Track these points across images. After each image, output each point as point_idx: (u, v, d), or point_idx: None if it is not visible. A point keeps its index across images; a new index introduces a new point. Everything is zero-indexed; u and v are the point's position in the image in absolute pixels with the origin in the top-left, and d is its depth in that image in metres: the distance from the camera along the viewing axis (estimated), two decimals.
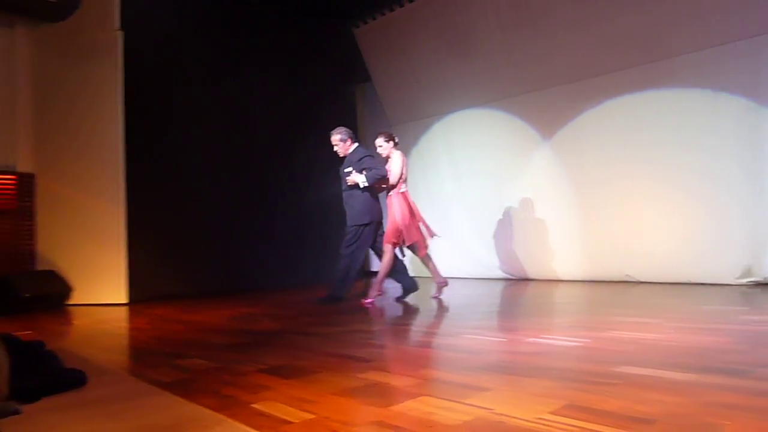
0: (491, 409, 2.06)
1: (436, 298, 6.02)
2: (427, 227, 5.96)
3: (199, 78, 7.25)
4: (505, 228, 7.58)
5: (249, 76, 7.75)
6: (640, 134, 6.32)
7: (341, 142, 6.06)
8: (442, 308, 5.58)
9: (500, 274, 7.64)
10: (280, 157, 8.06)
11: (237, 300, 6.26)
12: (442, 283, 6.08)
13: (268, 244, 7.79)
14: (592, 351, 3.05)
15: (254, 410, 2.25)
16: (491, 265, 7.72)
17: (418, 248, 5.87)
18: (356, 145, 6.09)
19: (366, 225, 5.89)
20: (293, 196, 8.14)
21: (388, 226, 5.86)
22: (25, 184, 6.65)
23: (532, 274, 7.34)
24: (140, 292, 6.46)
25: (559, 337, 3.47)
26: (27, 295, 6.01)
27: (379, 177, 5.81)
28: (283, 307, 5.76)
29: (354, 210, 5.92)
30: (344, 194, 5.98)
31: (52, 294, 6.30)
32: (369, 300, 5.89)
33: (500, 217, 7.61)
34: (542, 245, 7.17)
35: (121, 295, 6.30)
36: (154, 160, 6.72)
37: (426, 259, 6.01)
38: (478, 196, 7.87)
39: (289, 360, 3.15)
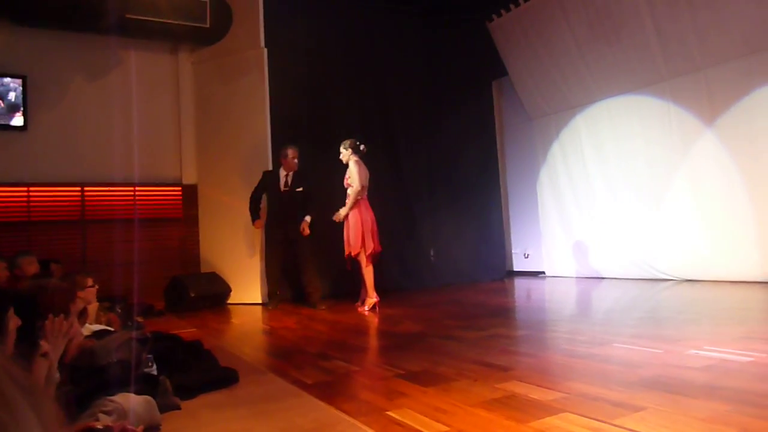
0: None
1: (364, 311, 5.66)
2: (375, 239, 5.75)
3: (338, 85, 7.50)
4: (662, 225, 6.93)
5: (387, 80, 7.88)
6: None
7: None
8: (589, 313, 5.24)
9: (656, 274, 6.99)
10: (419, 157, 8.09)
11: (379, 301, 6.35)
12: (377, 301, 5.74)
13: (409, 244, 7.86)
14: None
15: (390, 418, 2.24)
16: (646, 265, 7.10)
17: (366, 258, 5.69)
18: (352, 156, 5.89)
19: None
20: (434, 197, 8.13)
21: (354, 236, 5.69)
22: (190, 194, 7.35)
23: (695, 275, 6.62)
24: (290, 293, 6.82)
25: (730, 350, 3.05)
26: (193, 294, 6.62)
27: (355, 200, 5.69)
28: (424, 309, 5.75)
29: None
30: None
31: (215, 294, 6.88)
32: (366, 308, 5.69)
33: (656, 213, 6.97)
34: (707, 242, 6.44)
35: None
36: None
37: (368, 271, 5.73)
38: (629, 191, 7.28)
39: (427, 366, 3.11)
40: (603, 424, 1.98)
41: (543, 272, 8.46)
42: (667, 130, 6.81)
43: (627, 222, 7.32)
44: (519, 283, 7.98)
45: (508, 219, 9.05)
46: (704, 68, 6.38)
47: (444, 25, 8.31)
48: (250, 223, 6.52)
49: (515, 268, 8.90)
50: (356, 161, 5.79)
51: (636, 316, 4.81)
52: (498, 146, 9.07)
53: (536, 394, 2.42)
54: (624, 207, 7.36)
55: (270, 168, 6.67)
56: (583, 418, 2.06)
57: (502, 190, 9.00)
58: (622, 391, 2.38)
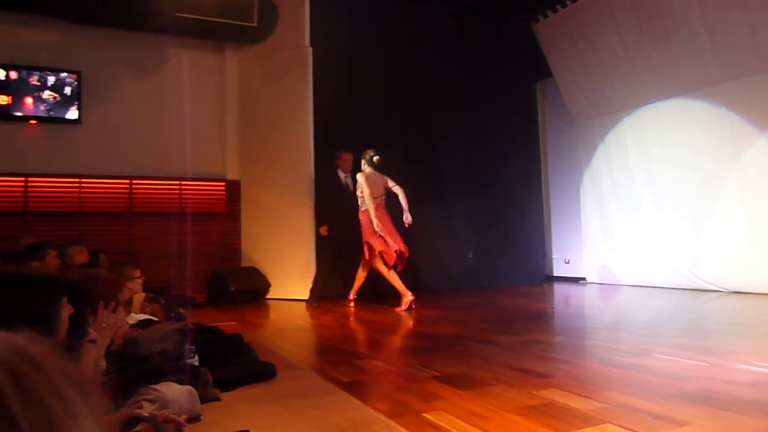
0: None
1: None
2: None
3: (380, 85, 7.52)
4: (709, 234, 6.71)
5: (429, 81, 7.85)
6: None
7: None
8: (630, 321, 5.12)
9: (702, 284, 6.77)
10: (460, 159, 8.04)
11: (415, 302, 6.32)
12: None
13: (447, 245, 7.82)
14: None
15: (425, 420, 2.24)
16: (691, 274, 6.88)
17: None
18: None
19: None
20: (473, 198, 8.07)
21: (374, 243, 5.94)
22: (233, 190, 7.49)
23: (742, 287, 6.38)
24: (328, 290, 6.86)
25: None
26: (233, 288, 6.75)
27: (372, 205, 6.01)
28: (461, 312, 5.72)
29: None
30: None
31: (254, 289, 7.00)
32: (402, 307, 5.75)
33: (703, 221, 6.75)
34: (756, 253, 6.21)
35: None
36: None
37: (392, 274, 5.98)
38: (675, 198, 7.07)
39: (463, 369, 3.10)
40: None
41: (583, 278, 8.30)
42: (718, 135, 6.60)
43: (672, 229, 7.12)
44: (558, 289, 7.86)
45: (549, 223, 8.92)
46: (759, 72, 6.15)
47: (488, 27, 8.24)
48: (291, 220, 6.62)
49: (555, 273, 8.76)
50: (363, 173, 6.10)
51: (679, 327, 4.68)
52: (540, 149, 8.94)
53: (575, 403, 2.38)
54: (669, 214, 7.16)
55: (313, 168, 6.77)
56: (623, 430, 2.02)
57: (543, 193, 8.87)
58: (664, 404, 2.33)
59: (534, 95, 8.97)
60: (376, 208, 5.98)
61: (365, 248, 6.06)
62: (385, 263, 5.91)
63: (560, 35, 8.05)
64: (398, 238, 5.97)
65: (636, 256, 7.55)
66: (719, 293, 6.44)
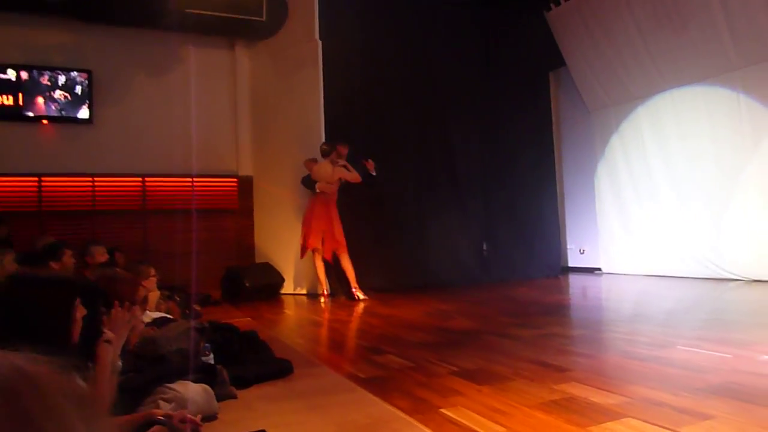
0: None
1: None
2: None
3: (392, 77, 7.45)
4: (729, 221, 6.59)
5: (441, 73, 7.77)
6: None
7: None
8: (650, 312, 5.04)
9: (722, 273, 6.66)
10: (473, 151, 7.96)
11: (431, 295, 6.29)
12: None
13: (461, 239, 7.76)
14: None
15: (445, 416, 2.21)
16: (711, 263, 6.77)
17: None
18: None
19: None
20: (487, 191, 8.00)
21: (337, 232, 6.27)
22: (245, 186, 7.49)
23: (764, 275, 6.27)
24: (341, 285, 6.85)
25: None
26: (248, 284, 6.75)
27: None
28: (478, 305, 5.67)
29: None
30: None
31: (269, 284, 6.99)
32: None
33: (723, 208, 6.63)
34: None
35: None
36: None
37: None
38: (694, 186, 6.95)
39: (482, 363, 3.06)
40: (669, 431, 1.89)
41: (599, 269, 8.21)
42: (737, 122, 6.47)
43: (691, 218, 7.01)
44: (574, 280, 7.78)
45: (563, 214, 8.82)
46: None
47: (499, 16, 8.14)
48: (302, 215, 6.64)
49: (570, 264, 8.68)
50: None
51: (701, 318, 4.61)
52: (555, 139, 8.83)
53: (596, 397, 2.34)
54: (687, 202, 7.04)
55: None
56: (646, 424, 1.98)
57: (558, 184, 8.77)
58: (688, 397, 2.27)
59: (547, 85, 8.86)
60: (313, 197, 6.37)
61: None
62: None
63: (574, 23, 7.93)
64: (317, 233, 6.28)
65: (654, 246, 7.44)
66: (739, 282, 6.33)
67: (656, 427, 1.95)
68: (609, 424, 1.99)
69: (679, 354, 3.11)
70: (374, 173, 6.39)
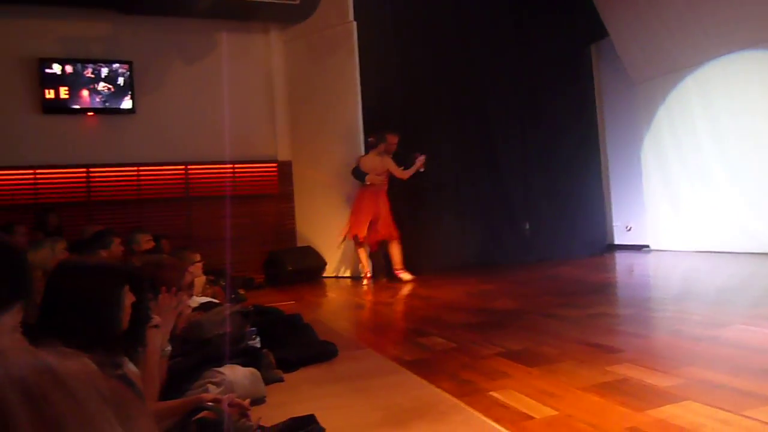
0: None
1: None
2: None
3: (427, 57, 7.32)
4: None
5: (477, 49, 7.59)
6: None
7: None
8: (701, 290, 4.86)
9: None
10: (514, 129, 7.78)
11: (473, 275, 6.20)
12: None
13: (503, 217, 7.64)
14: None
15: (493, 399, 2.17)
16: (766, 238, 6.48)
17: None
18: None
19: None
20: (528, 168, 7.82)
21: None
22: (285, 171, 7.53)
23: None
24: (383, 267, 6.84)
25: None
26: (290, 268, 6.82)
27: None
28: (521, 285, 5.57)
29: None
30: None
31: (310, 268, 7.05)
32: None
33: None
34: None
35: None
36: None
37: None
38: (747, 159, 6.64)
39: (529, 344, 3.00)
40: (732, 415, 1.81)
41: (647, 246, 7.97)
42: None
43: (743, 192, 6.71)
44: (620, 258, 7.57)
45: (608, 190, 8.57)
46: None
47: None
48: (343, 197, 6.64)
49: (616, 242, 8.45)
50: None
51: (755, 295, 4.42)
52: (597, 113, 8.56)
53: (652, 378, 2.25)
54: (740, 175, 6.74)
55: (362, 144, 6.73)
56: (707, 407, 1.89)
57: (602, 159, 8.51)
58: (750, 379, 2.17)
59: (589, 57, 8.57)
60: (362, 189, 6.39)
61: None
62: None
63: None
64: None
65: (704, 221, 7.16)
66: None
67: (718, 410, 1.86)
68: (668, 408, 1.92)
69: (735, 333, 2.98)
70: (423, 169, 6.30)
